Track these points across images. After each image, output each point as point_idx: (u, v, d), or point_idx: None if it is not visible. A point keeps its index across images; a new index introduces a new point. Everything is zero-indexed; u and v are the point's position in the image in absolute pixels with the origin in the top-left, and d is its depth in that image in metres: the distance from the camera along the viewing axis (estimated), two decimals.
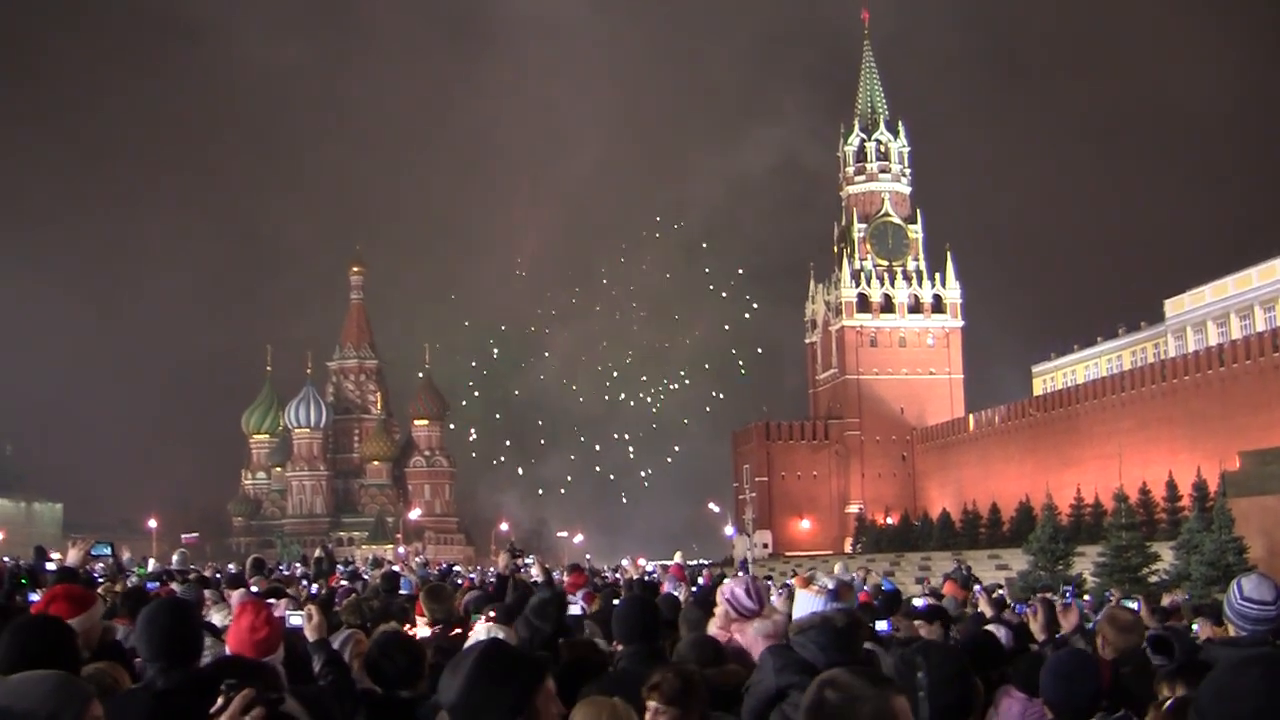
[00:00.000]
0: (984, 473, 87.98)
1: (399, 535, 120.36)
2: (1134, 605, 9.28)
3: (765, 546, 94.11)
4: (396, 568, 21.32)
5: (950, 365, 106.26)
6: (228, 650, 5.91)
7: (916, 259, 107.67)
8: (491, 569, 43.53)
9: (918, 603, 12.66)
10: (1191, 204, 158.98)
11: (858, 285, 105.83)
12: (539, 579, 13.20)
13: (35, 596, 9.53)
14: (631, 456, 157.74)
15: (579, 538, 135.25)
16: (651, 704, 4.67)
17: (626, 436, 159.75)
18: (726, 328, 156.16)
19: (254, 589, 11.51)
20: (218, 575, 17.92)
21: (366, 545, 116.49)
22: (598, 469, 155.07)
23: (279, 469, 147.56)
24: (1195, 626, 11.85)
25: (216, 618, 8.76)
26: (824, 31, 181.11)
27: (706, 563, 68.94)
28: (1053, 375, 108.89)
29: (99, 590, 9.62)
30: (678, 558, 30.45)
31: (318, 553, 23.41)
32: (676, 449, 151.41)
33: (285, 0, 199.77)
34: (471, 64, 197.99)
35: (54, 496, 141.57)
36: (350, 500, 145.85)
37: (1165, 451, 67.58)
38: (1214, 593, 33.60)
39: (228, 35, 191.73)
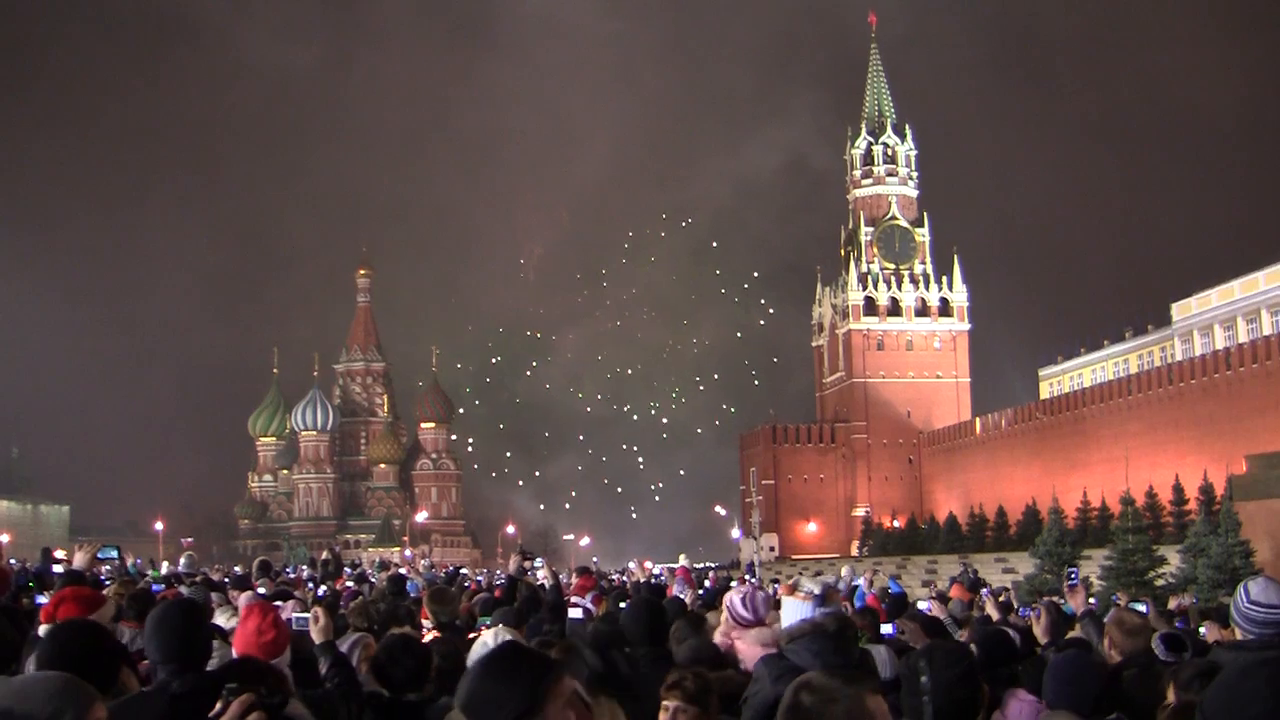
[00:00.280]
0: (990, 476, 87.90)
1: (406, 538, 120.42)
2: (1143, 607, 9.25)
3: (772, 549, 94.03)
4: (403, 571, 21.33)
5: (957, 368, 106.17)
6: (234, 653, 5.92)
7: (923, 262, 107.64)
8: (499, 572, 43.55)
9: (922, 605, 12.67)
10: (1198, 208, 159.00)
11: (864, 289, 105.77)
12: (546, 582, 13.18)
13: (43, 599, 9.56)
14: (638, 460, 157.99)
15: (586, 540, 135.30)
16: (672, 703, 4.68)
17: (633, 440, 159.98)
18: (739, 336, 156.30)
19: (260, 591, 11.54)
20: (226, 579, 17.94)
21: (373, 548, 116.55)
22: (604, 472, 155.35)
23: (286, 471, 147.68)
24: (1203, 630, 11.85)
25: (221, 620, 8.78)
26: (832, 33, 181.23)
27: (713, 566, 69.02)
28: (1059, 379, 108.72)
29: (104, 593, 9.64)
30: (683, 560, 30.48)
31: (324, 555, 23.47)
32: (683, 452, 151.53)
33: (291, 2, 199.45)
34: (478, 65, 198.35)
35: (61, 499, 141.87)
36: (357, 503, 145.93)
37: (1172, 455, 67.50)
38: (1220, 596, 33.55)
39: (233, 36, 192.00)
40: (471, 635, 8.24)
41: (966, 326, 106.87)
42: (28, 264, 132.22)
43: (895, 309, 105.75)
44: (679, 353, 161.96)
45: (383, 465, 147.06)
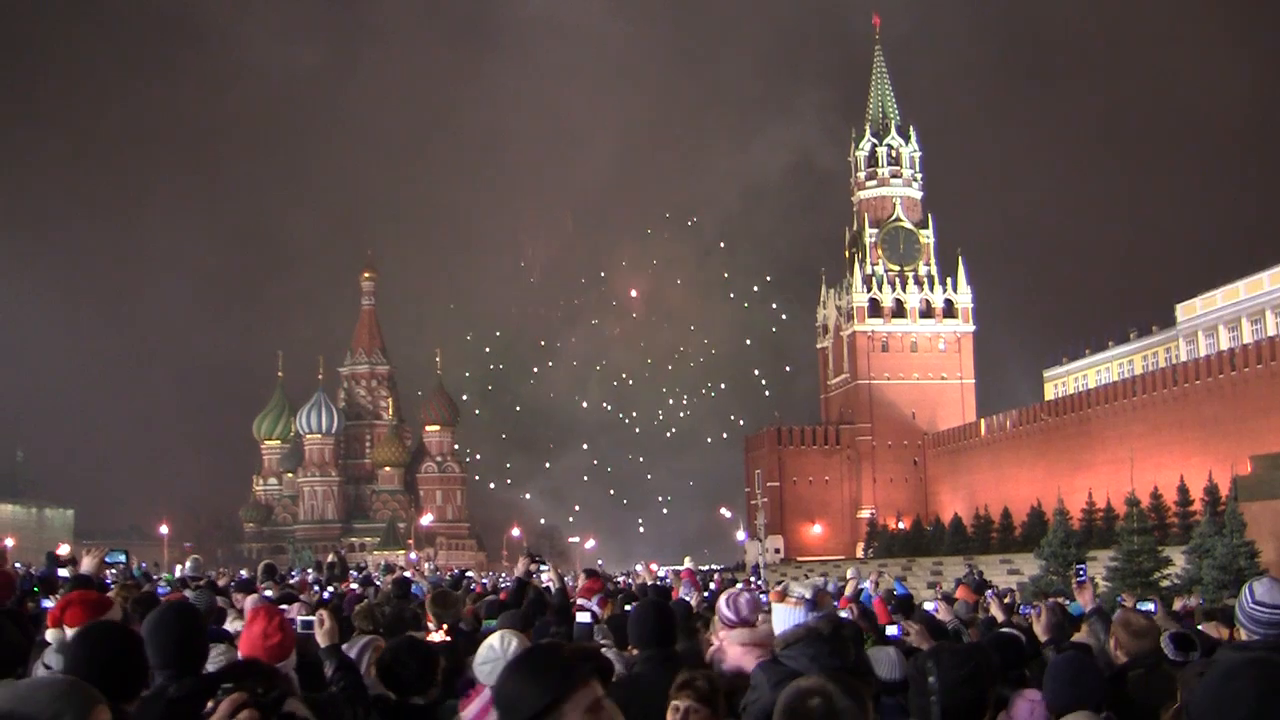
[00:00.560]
0: (996, 477, 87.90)
1: (410, 541, 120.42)
2: (1150, 606, 9.25)
3: (777, 552, 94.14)
4: (408, 574, 21.35)
5: (962, 370, 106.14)
6: (240, 656, 5.94)
7: (928, 264, 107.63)
8: (504, 575, 43.53)
9: (928, 607, 12.68)
10: (1202, 208, 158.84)
11: (869, 290, 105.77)
12: (552, 585, 13.21)
13: (48, 603, 9.57)
14: (643, 462, 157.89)
15: (591, 543, 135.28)
16: (683, 703, 4.69)
17: (638, 442, 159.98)
18: (745, 338, 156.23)
19: (267, 594, 11.55)
20: (232, 583, 17.96)
21: (378, 551, 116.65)
22: (609, 475, 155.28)
23: (290, 475, 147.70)
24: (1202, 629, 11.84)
25: (232, 626, 8.80)
26: (837, 34, 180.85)
27: (718, 568, 69.05)
28: (1064, 380, 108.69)
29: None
30: (687, 563, 30.50)
31: (330, 558, 23.49)
32: (689, 454, 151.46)
33: (294, 2, 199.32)
34: (482, 66, 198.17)
35: (65, 503, 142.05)
36: (362, 506, 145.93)
37: (1177, 455, 67.49)
38: (1225, 597, 33.52)
39: (235, 37, 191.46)
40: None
41: (971, 328, 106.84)
42: (30, 266, 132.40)
43: (900, 310, 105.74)
44: (684, 354, 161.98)
45: (387, 468, 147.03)
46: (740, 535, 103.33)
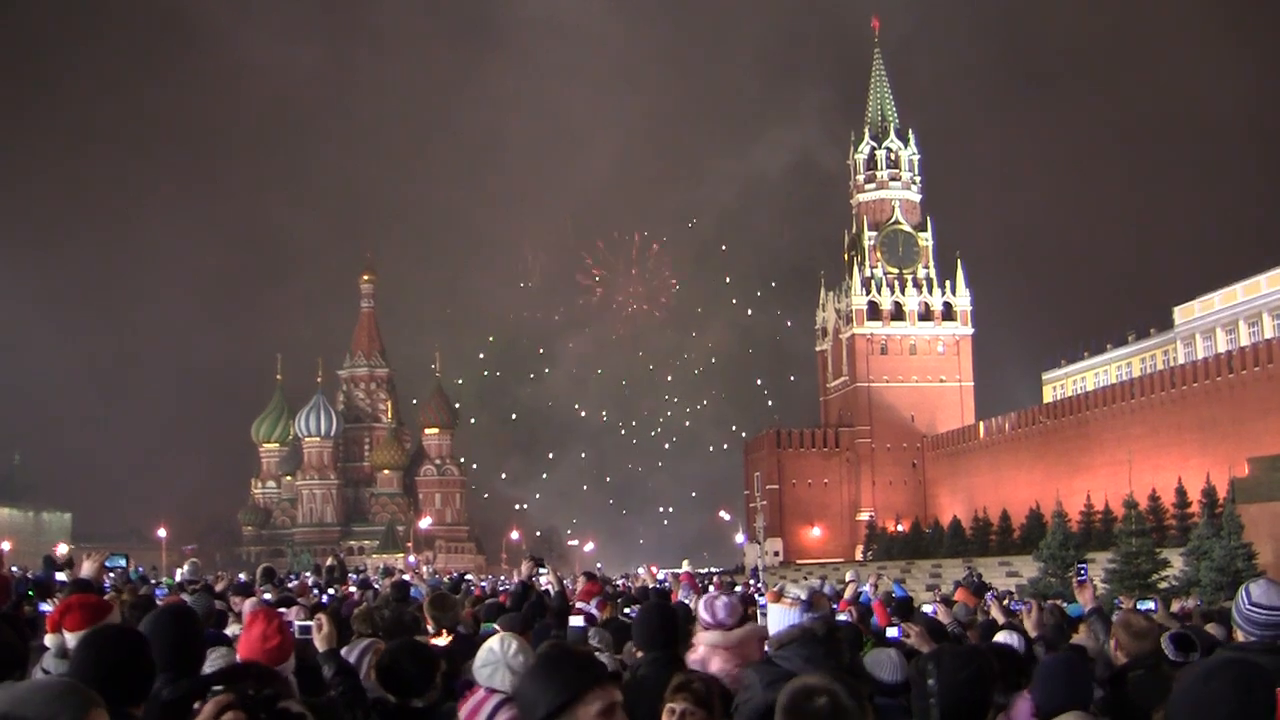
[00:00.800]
0: (994, 480, 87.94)
1: (410, 544, 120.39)
2: (1151, 605, 9.26)
3: (776, 554, 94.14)
4: (407, 577, 21.34)
5: (960, 372, 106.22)
6: (238, 659, 5.94)
7: (927, 266, 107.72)
8: (503, 578, 43.50)
9: (926, 609, 12.67)
10: (1201, 211, 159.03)
11: (868, 293, 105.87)
12: (551, 588, 13.21)
13: (45, 606, 9.57)
14: (643, 465, 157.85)
15: (590, 546, 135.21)
16: (679, 705, 4.70)
17: (638, 444, 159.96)
18: (744, 340, 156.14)
19: (266, 598, 11.55)
20: (231, 587, 17.94)
21: (377, 554, 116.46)
22: (609, 477, 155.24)
23: (289, 478, 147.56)
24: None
25: (233, 631, 8.80)
26: (837, 35, 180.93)
27: (717, 570, 68.99)
28: (1063, 382, 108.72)
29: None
30: (685, 566, 30.51)
31: (329, 561, 23.44)
32: (688, 457, 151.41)
33: (293, 3, 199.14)
34: (482, 67, 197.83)
35: (63, 506, 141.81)
36: (361, 509, 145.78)
37: (1175, 458, 67.54)
38: (1222, 599, 33.55)
39: (235, 39, 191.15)
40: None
41: (970, 330, 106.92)
42: (28, 268, 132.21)
43: (899, 313, 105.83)
44: (683, 357, 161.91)
45: (386, 471, 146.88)
46: (739, 538, 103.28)
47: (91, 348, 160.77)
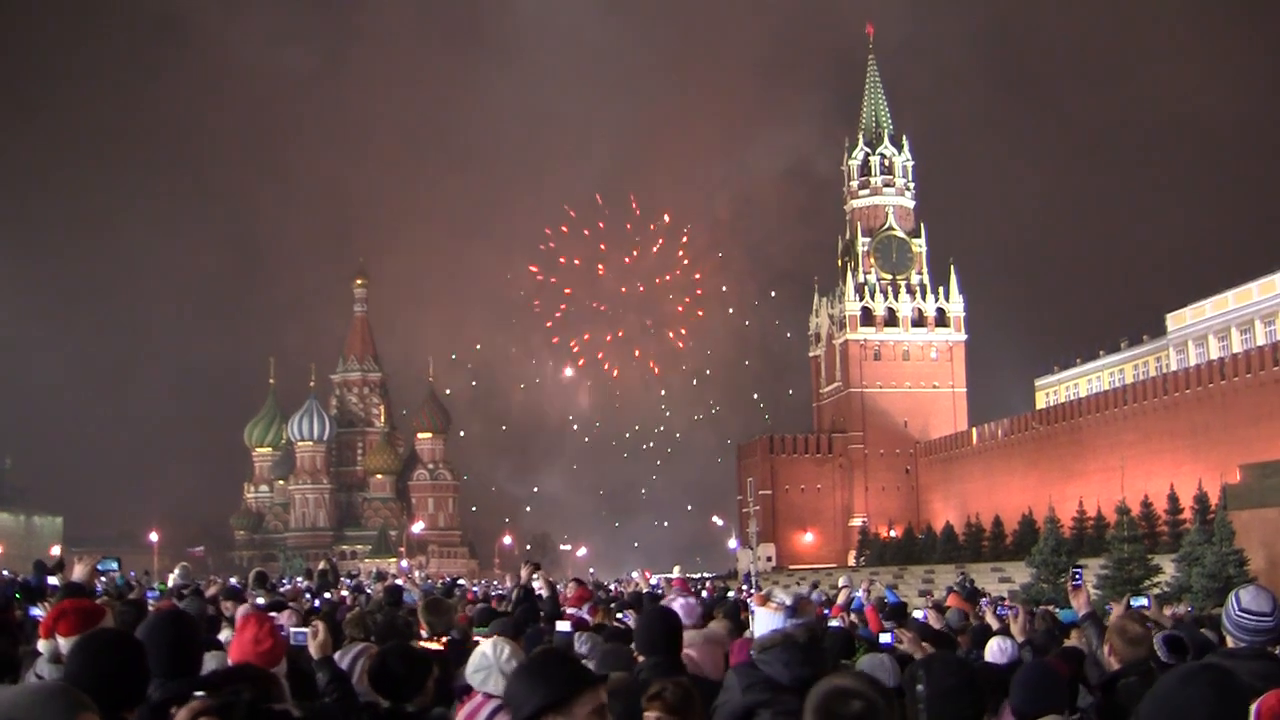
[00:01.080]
0: (987, 486, 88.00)
1: (402, 549, 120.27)
2: (1144, 601, 9.25)
3: (769, 559, 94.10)
4: (400, 581, 21.32)
5: (953, 379, 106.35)
6: (230, 662, 5.94)
7: (920, 273, 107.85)
8: (496, 582, 43.48)
9: (917, 615, 12.69)
10: (1193, 218, 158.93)
11: (861, 299, 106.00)
12: (543, 593, 13.20)
13: (37, 611, 9.55)
14: (636, 469, 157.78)
15: (583, 551, 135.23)
16: (653, 714, 4.70)
17: (631, 450, 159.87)
18: (739, 345, 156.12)
19: (259, 602, 11.54)
20: (222, 592, 17.92)
21: (370, 559, 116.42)
22: (602, 482, 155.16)
23: (282, 482, 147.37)
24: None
25: (223, 635, 8.80)
26: (831, 41, 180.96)
27: (710, 576, 69.02)
28: (1055, 388, 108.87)
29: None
30: (676, 572, 30.52)
31: (321, 566, 23.38)
32: (681, 462, 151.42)
33: (283, 5, 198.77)
34: (475, 71, 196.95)
35: (54, 510, 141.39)
36: (353, 513, 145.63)
37: (1167, 464, 67.63)
38: (1210, 606, 33.58)
39: (224, 41, 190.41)
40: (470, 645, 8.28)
41: (963, 337, 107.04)
42: (18, 271, 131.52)
43: (892, 319, 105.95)
44: (676, 362, 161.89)
45: (379, 476, 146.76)
46: (732, 543, 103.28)
47: (83, 351, 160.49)
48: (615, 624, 10.72)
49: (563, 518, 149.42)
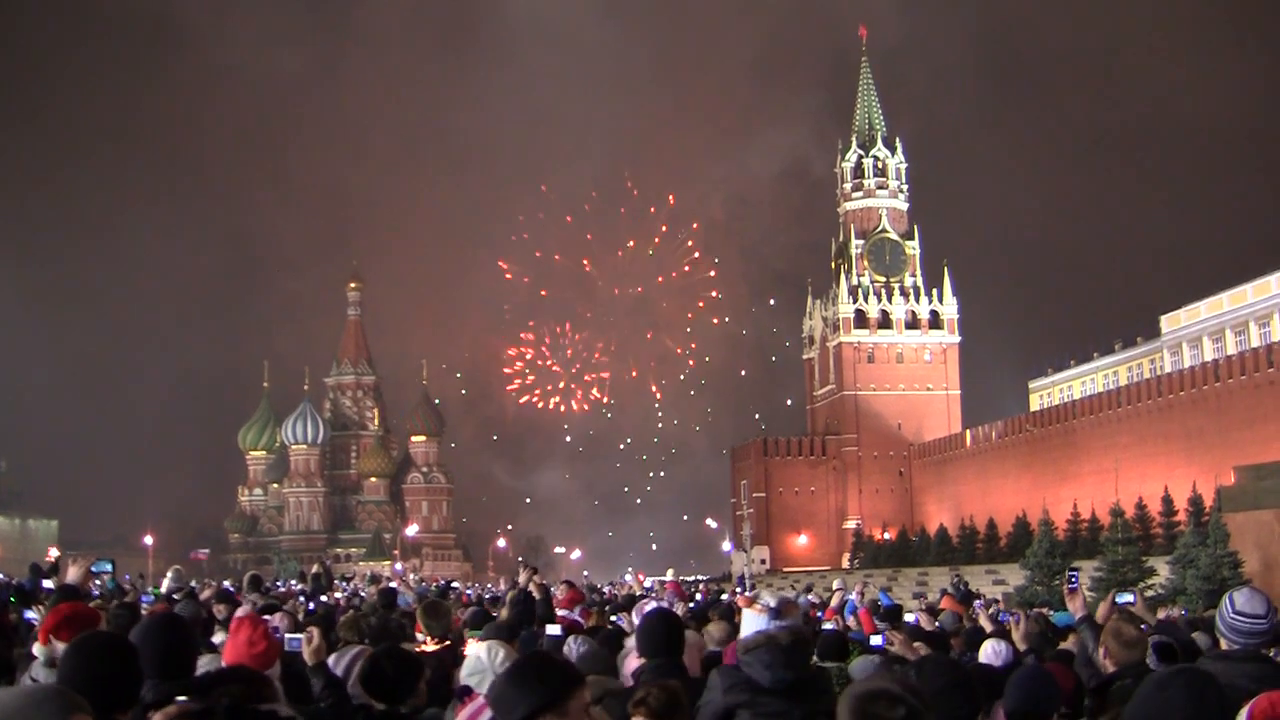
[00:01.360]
0: (981, 488, 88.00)
1: (396, 551, 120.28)
2: (1129, 598, 9.24)
3: (763, 562, 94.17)
4: (394, 584, 21.32)
5: (947, 381, 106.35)
6: (223, 665, 5.94)
7: (914, 275, 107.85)
8: (490, 585, 43.40)
9: (909, 618, 12.68)
10: (1187, 220, 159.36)
11: (855, 301, 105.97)
12: (536, 595, 13.20)
13: (31, 614, 9.53)
14: (630, 473, 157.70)
15: (577, 554, 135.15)
16: (638, 719, 4.69)
17: (625, 452, 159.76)
18: (732, 348, 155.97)
19: (255, 604, 11.53)
20: (214, 595, 17.89)
21: (364, 562, 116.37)
22: (596, 485, 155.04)
23: (276, 485, 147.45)
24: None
25: (215, 638, 8.79)
26: (826, 42, 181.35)
27: (704, 579, 69.01)
28: (1049, 390, 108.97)
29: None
30: (669, 574, 30.52)
31: (315, 569, 23.38)
32: (675, 465, 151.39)
33: (278, 6, 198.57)
34: (470, 72, 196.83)
35: (50, 513, 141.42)
36: (348, 516, 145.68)
37: (1161, 466, 67.65)
38: (1202, 609, 33.60)
39: (218, 41, 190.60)
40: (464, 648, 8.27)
41: (957, 339, 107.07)
42: (12, 274, 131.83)
43: (886, 322, 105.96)
44: (671, 364, 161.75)
45: (373, 479, 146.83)
46: (726, 546, 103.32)
47: (78, 354, 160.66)
48: (609, 626, 10.72)
49: (557, 520, 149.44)
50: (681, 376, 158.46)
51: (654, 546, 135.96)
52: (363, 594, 21.86)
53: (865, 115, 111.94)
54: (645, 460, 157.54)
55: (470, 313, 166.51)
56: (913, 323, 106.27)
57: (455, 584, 35.70)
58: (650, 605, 6.38)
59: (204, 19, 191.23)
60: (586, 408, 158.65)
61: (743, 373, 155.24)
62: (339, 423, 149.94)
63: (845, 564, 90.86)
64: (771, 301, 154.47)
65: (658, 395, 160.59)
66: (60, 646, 5.51)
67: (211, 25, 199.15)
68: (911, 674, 4.67)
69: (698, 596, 23.93)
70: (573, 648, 7.79)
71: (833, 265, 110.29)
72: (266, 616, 7.57)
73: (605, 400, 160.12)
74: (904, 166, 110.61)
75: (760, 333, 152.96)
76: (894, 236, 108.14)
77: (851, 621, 13.79)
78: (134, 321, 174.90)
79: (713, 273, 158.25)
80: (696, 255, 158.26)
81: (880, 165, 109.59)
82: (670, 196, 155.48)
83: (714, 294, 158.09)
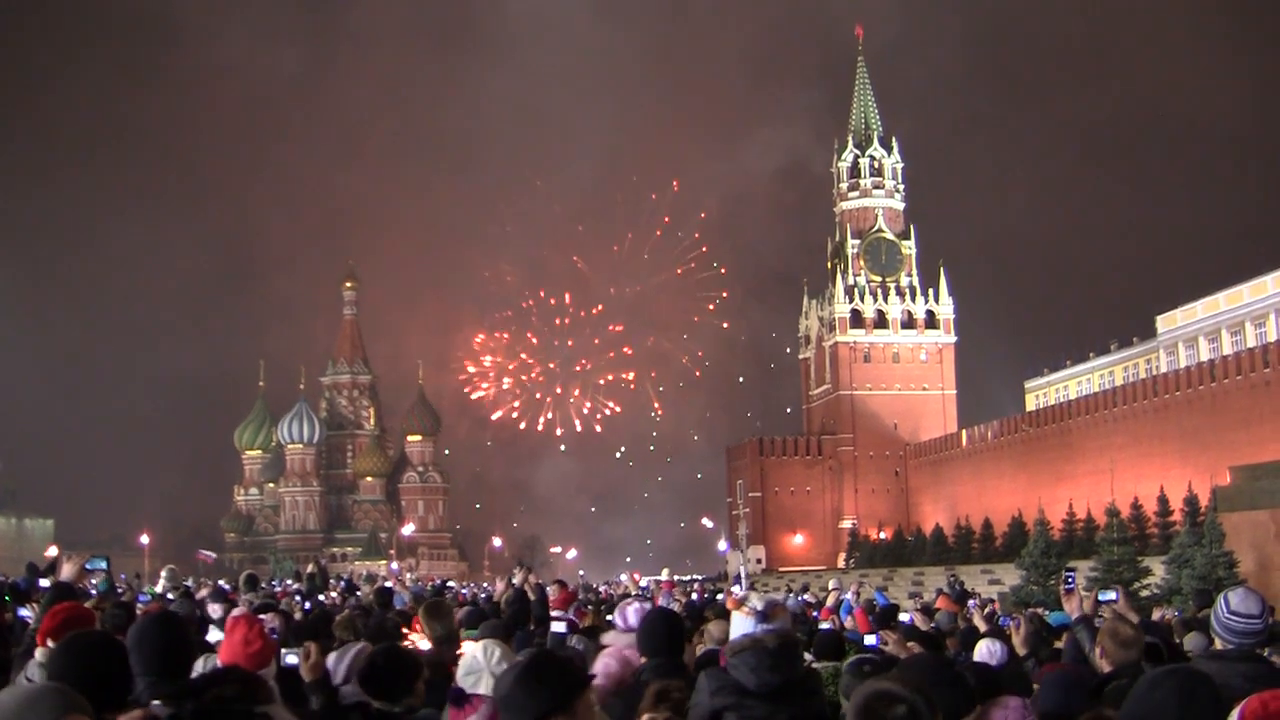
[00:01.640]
0: (977, 488, 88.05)
1: (392, 551, 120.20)
2: (1112, 595, 9.24)
3: (759, 562, 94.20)
4: (389, 584, 21.33)
5: (943, 381, 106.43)
6: (219, 663, 5.94)
7: (910, 274, 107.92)
8: (485, 585, 43.37)
9: (904, 618, 12.69)
10: (1183, 220, 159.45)
11: (851, 301, 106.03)
12: (531, 595, 13.22)
13: (25, 612, 9.52)
14: (625, 472, 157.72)
15: (573, 553, 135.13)
16: (661, 715, 4.73)
17: (620, 452, 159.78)
18: (729, 347, 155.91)
19: (249, 603, 11.53)
20: (209, 594, 17.89)
21: (360, 561, 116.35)
22: (591, 485, 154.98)
23: (272, 485, 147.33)
24: (1189, 642, 11.85)
25: (210, 637, 8.79)
26: (823, 41, 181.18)
27: (699, 578, 69.06)
28: (1045, 390, 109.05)
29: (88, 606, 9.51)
30: (664, 575, 30.58)
31: (310, 568, 23.40)
32: (671, 464, 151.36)
33: (274, 4, 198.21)
34: (464, 70, 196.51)
35: (45, 512, 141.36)
36: (343, 516, 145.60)
37: (1157, 466, 67.68)
38: (1194, 610, 33.61)
39: (212, 39, 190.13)
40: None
41: (953, 339, 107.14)
42: (6, 274, 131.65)
43: (882, 321, 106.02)
44: (667, 363, 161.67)
45: (369, 478, 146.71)
46: (722, 545, 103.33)
47: (73, 354, 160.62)
48: (606, 625, 10.72)
49: (553, 520, 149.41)
50: (681, 384, 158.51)
51: (650, 546, 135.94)
52: (359, 593, 21.86)
53: (861, 115, 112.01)
54: (641, 460, 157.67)
55: (465, 312, 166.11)
56: (909, 322, 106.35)
57: (451, 583, 35.73)
58: (633, 605, 6.39)
59: (198, 17, 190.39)
60: (579, 426, 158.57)
61: (740, 380, 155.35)
62: (335, 422, 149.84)
63: (841, 564, 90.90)
64: (767, 300, 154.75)
65: (654, 396, 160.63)
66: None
67: (205, 24, 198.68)
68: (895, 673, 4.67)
69: (693, 596, 23.94)
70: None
71: (829, 265, 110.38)
72: (263, 616, 7.58)
73: (599, 406, 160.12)
74: (900, 166, 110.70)
75: (756, 332, 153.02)
76: (890, 236, 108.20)
77: (848, 621, 13.80)
78: (130, 321, 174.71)
79: (713, 271, 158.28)
80: (693, 255, 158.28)
81: (876, 165, 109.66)
82: (674, 182, 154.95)
83: (712, 294, 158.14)
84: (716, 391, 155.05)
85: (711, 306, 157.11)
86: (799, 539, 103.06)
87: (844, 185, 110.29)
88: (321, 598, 19.26)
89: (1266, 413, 63.38)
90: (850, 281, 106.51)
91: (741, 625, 5.69)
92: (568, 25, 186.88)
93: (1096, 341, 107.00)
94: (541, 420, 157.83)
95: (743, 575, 57.00)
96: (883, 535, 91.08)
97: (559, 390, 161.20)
